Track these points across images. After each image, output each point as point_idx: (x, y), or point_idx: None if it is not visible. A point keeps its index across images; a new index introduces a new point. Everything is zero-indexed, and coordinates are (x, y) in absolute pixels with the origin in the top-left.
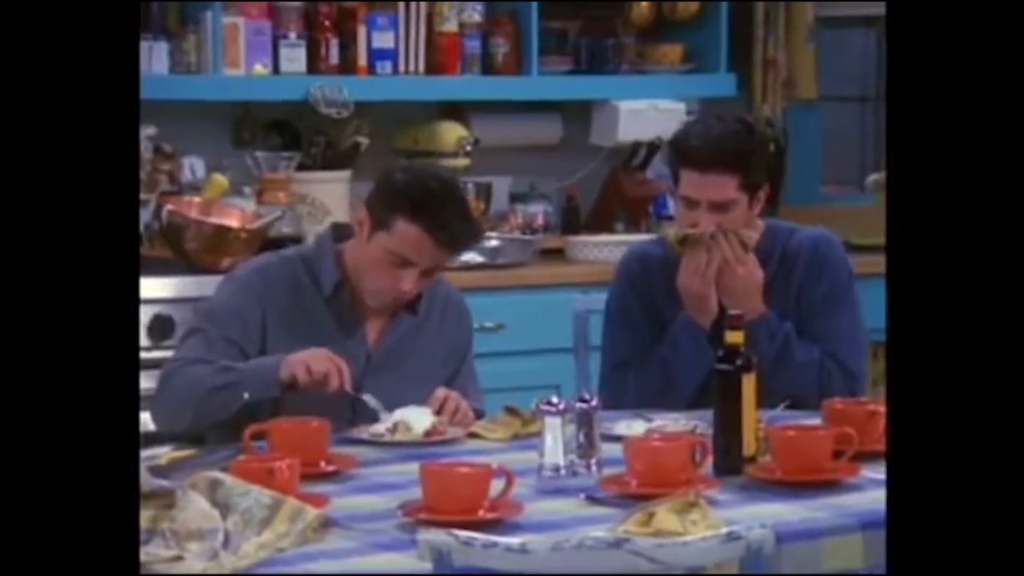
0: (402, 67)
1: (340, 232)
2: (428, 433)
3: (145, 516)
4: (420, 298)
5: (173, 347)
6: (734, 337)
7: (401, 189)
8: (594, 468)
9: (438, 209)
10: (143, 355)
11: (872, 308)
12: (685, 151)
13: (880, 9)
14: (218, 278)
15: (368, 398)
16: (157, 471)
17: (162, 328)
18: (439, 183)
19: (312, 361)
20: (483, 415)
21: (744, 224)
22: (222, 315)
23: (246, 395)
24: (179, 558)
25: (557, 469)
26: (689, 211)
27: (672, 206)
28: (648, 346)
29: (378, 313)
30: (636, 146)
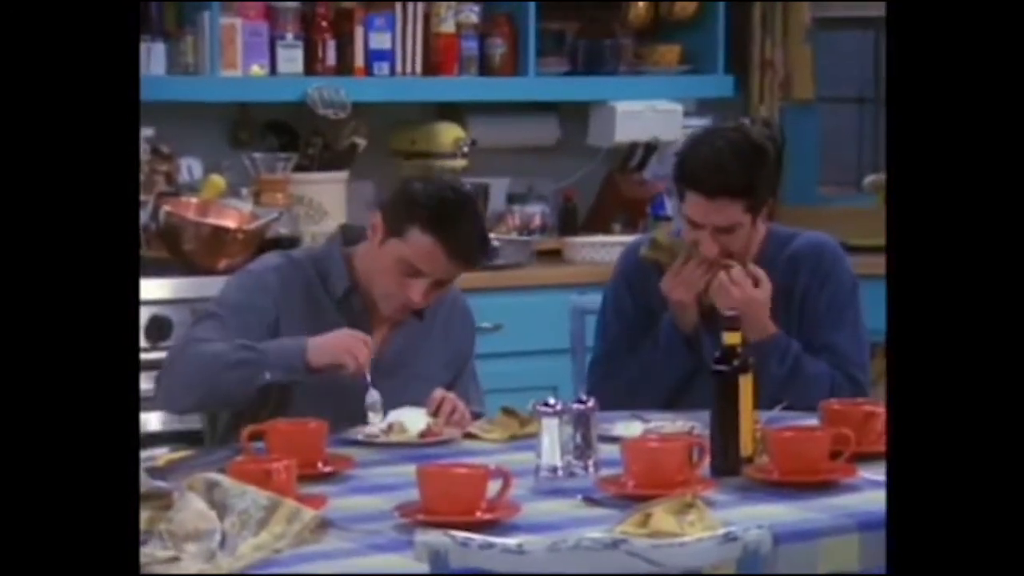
0: (399, 68)
1: (349, 235)
2: (423, 434)
3: (142, 517)
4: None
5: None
6: (731, 338)
7: (419, 199)
8: (591, 469)
9: (454, 222)
10: (141, 356)
11: (870, 309)
12: (691, 174)
13: (877, 10)
14: (216, 279)
15: (372, 393)
16: (154, 472)
17: (159, 329)
18: (457, 196)
19: (337, 351)
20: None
21: (747, 241)
22: (239, 309)
23: (267, 375)
24: (176, 559)
25: (554, 470)
26: (693, 231)
27: (669, 206)
28: (636, 342)
29: (384, 318)
30: (633, 147)
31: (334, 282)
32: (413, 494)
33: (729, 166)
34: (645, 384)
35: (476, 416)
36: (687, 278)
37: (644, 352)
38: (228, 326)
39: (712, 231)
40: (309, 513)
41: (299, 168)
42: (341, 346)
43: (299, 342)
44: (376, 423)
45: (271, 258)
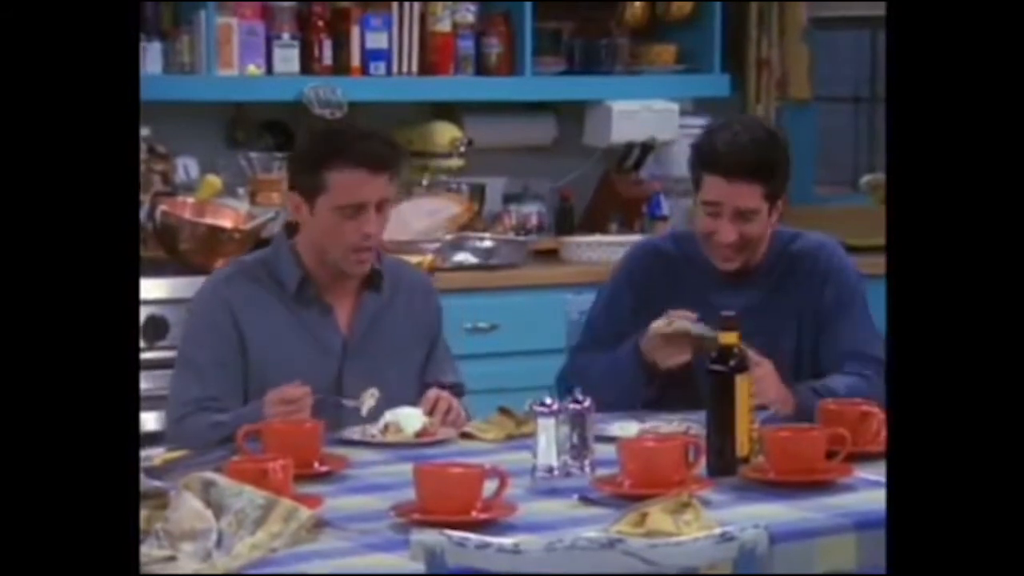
0: (395, 68)
1: (293, 229)
2: (419, 434)
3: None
4: (382, 277)
5: (167, 348)
6: (728, 338)
7: (310, 150)
8: (587, 469)
9: (351, 143)
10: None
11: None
12: (712, 157)
13: (873, 9)
14: None
15: (347, 402)
16: (151, 472)
17: (156, 329)
18: (335, 125)
19: (281, 415)
20: (463, 389)
21: (762, 233)
22: (204, 336)
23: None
24: (172, 558)
25: (550, 470)
26: (711, 219)
27: (666, 206)
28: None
29: (344, 299)
30: (630, 147)
31: (286, 277)
32: (409, 494)
33: (748, 148)
34: (604, 393)
35: (454, 387)
36: (680, 346)
37: (606, 362)
38: (203, 368)
39: (731, 215)
40: (305, 512)
41: None
42: (277, 414)
43: (256, 410)
44: (363, 404)
45: (220, 272)
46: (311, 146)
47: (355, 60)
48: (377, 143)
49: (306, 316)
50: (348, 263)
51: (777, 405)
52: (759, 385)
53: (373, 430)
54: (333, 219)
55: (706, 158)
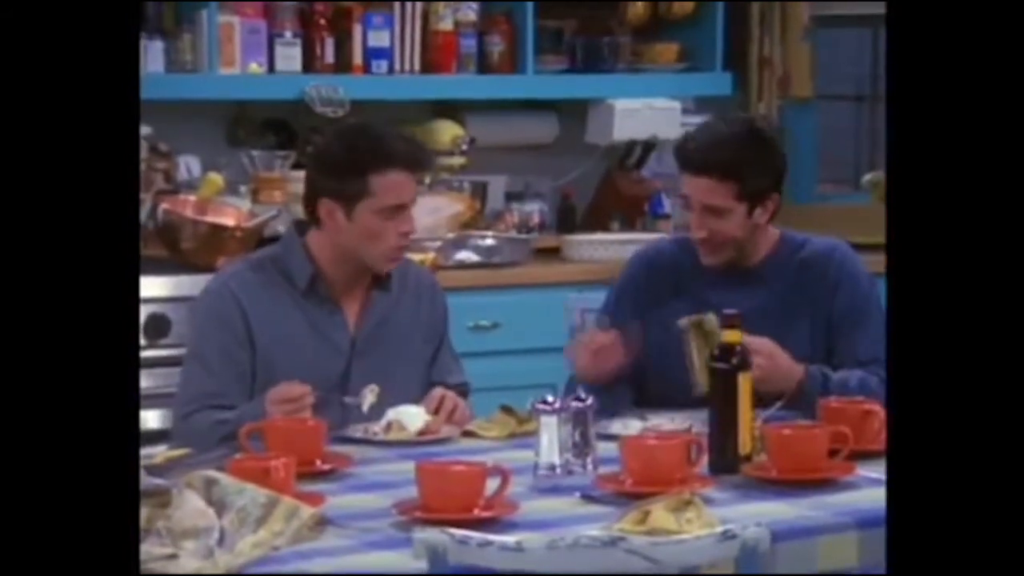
0: (397, 66)
1: (303, 227)
2: (421, 432)
3: (141, 514)
4: (391, 276)
5: (168, 346)
6: (730, 336)
7: (348, 156)
8: (590, 467)
9: (392, 146)
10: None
11: None
12: (682, 153)
13: (875, 8)
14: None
15: (347, 399)
16: (153, 470)
17: (158, 327)
18: (367, 127)
19: (282, 413)
20: (468, 389)
21: (743, 232)
22: (212, 330)
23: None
24: (174, 556)
25: (553, 468)
26: (686, 212)
27: (668, 205)
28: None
29: (353, 297)
30: (631, 145)
31: (297, 274)
32: (411, 492)
33: (721, 146)
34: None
35: (460, 388)
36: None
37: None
38: (210, 362)
39: (700, 210)
40: (307, 511)
41: (297, 166)
42: (279, 414)
43: (260, 407)
44: (365, 401)
45: (226, 268)
46: (348, 152)
47: (357, 58)
48: (413, 145)
49: (315, 313)
50: (385, 262)
51: (789, 384)
52: (767, 364)
53: (375, 428)
54: (375, 222)
55: (677, 153)
